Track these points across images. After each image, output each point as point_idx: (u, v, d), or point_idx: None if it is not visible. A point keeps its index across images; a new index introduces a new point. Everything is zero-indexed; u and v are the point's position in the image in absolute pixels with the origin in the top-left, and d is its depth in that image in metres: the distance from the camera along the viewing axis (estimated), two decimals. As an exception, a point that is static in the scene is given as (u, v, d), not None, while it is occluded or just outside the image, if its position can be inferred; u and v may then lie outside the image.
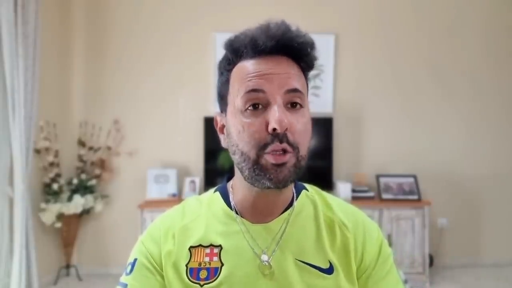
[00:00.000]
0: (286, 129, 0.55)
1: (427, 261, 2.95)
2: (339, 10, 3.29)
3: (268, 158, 0.55)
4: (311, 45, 0.60)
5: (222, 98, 0.65)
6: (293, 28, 0.59)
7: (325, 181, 3.11)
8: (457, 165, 3.36)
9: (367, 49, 3.32)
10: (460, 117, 3.37)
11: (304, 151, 0.58)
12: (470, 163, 3.36)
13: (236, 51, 0.60)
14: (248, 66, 0.59)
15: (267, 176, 0.56)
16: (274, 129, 0.54)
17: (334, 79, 3.26)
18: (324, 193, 0.72)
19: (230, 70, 0.62)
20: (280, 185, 0.56)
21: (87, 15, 3.19)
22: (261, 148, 0.55)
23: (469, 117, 3.37)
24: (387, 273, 0.64)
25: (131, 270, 0.63)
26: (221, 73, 0.64)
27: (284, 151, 0.55)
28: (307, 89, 0.66)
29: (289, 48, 0.58)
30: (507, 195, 3.39)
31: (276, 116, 0.54)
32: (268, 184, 0.56)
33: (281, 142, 0.55)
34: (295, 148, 0.56)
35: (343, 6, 3.29)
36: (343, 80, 3.29)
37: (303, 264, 0.61)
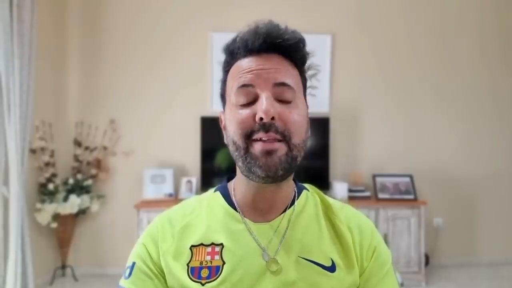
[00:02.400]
0: (273, 118, 0.57)
1: (423, 260, 2.96)
2: (336, 11, 3.30)
3: (257, 146, 0.57)
4: (299, 40, 0.63)
5: (222, 97, 0.68)
6: (282, 26, 0.62)
7: (321, 181, 3.12)
8: (453, 165, 3.38)
9: (364, 49, 3.33)
10: (456, 117, 3.39)
11: (297, 140, 0.59)
12: (465, 163, 3.38)
13: (232, 52, 0.64)
14: (240, 64, 0.62)
15: (257, 163, 0.57)
16: (261, 118, 0.56)
17: (330, 79, 3.27)
18: (323, 194, 0.73)
19: (227, 71, 0.66)
20: (271, 173, 0.57)
21: (83, 14, 3.17)
22: (248, 136, 0.58)
23: (465, 118, 3.39)
24: (385, 275, 0.64)
25: (130, 274, 0.63)
26: (222, 75, 0.68)
27: (274, 140, 0.57)
28: (305, 84, 0.68)
29: (276, 45, 0.61)
30: (502, 195, 3.41)
31: (263, 106, 0.56)
32: (259, 172, 0.57)
33: (267, 131, 0.56)
34: (286, 136, 0.58)
35: (340, 7, 3.30)
36: (340, 80, 3.30)
37: (306, 261, 0.61)
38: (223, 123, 0.68)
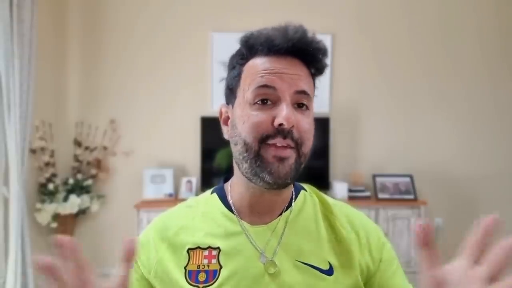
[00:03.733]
0: (292, 126, 0.57)
1: (423, 260, 2.96)
2: (336, 11, 3.30)
3: (270, 151, 0.57)
4: (324, 51, 0.63)
5: (231, 91, 0.66)
6: (310, 34, 0.62)
7: (321, 181, 3.12)
8: (453, 165, 3.38)
9: (364, 49, 3.33)
10: (456, 117, 3.39)
11: (306, 148, 0.60)
12: (465, 163, 3.38)
13: (251, 47, 0.62)
14: (261, 62, 0.61)
15: (268, 169, 0.56)
16: (281, 124, 0.56)
17: (331, 79, 3.27)
18: (322, 194, 0.72)
19: (242, 65, 0.63)
20: (280, 181, 0.57)
21: (83, 14, 3.17)
22: (263, 139, 0.57)
23: (465, 118, 3.39)
24: (396, 269, 0.65)
25: None
26: (232, 67, 0.66)
27: (286, 147, 0.57)
28: (314, 93, 0.68)
29: (303, 51, 0.61)
30: (503, 195, 3.41)
31: (284, 112, 0.56)
32: (268, 178, 0.56)
33: (285, 137, 0.56)
34: (298, 144, 0.58)
35: (340, 7, 3.30)
36: (340, 80, 3.29)
37: (303, 265, 0.60)
38: (223, 116, 0.67)
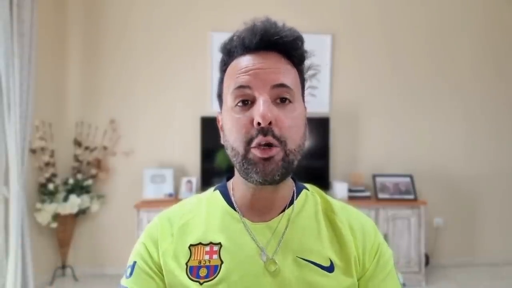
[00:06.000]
0: (271, 123, 0.56)
1: (423, 260, 2.96)
2: (336, 10, 3.30)
3: (255, 152, 0.57)
4: (297, 38, 0.61)
5: (219, 98, 0.67)
6: (279, 23, 0.61)
7: (321, 181, 3.12)
8: (453, 165, 3.38)
9: (364, 49, 3.33)
10: (456, 117, 3.39)
11: (293, 145, 0.58)
12: (465, 163, 3.38)
13: (229, 52, 0.63)
14: (237, 63, 0.61)
15: (255, 169, 0.57)
16: (259, 123, 0.55)
17: (330, 79, 3.27)
18: (324, 193, 0.72)
19: (225, 71, 0.65)
20: (268, 178, 0.57)
21: (83, 15, 3.17)
22: (248, 142, 0.57)
23: (465, 117, 3.39)
24: (387, 276, 0.64)
25: (131, 273, 0.63)
26: (219, 74, 0.67)
27: (270, 145, 0.56)
28: (303, 84, 0.67)
29: (274, 42, 0.60)
30: (502, 195, 3.41)
31: (260, 110, 0.55)
32: (256, 177, 0.57)
33: (265, 135, 0.56)
34: (281, 141, 0.57)
35: (340, 7, 3.30)
36: (340, 80, 3.30)
37: (304, 261, 0.61)
38: (220, 123, 0.68)
